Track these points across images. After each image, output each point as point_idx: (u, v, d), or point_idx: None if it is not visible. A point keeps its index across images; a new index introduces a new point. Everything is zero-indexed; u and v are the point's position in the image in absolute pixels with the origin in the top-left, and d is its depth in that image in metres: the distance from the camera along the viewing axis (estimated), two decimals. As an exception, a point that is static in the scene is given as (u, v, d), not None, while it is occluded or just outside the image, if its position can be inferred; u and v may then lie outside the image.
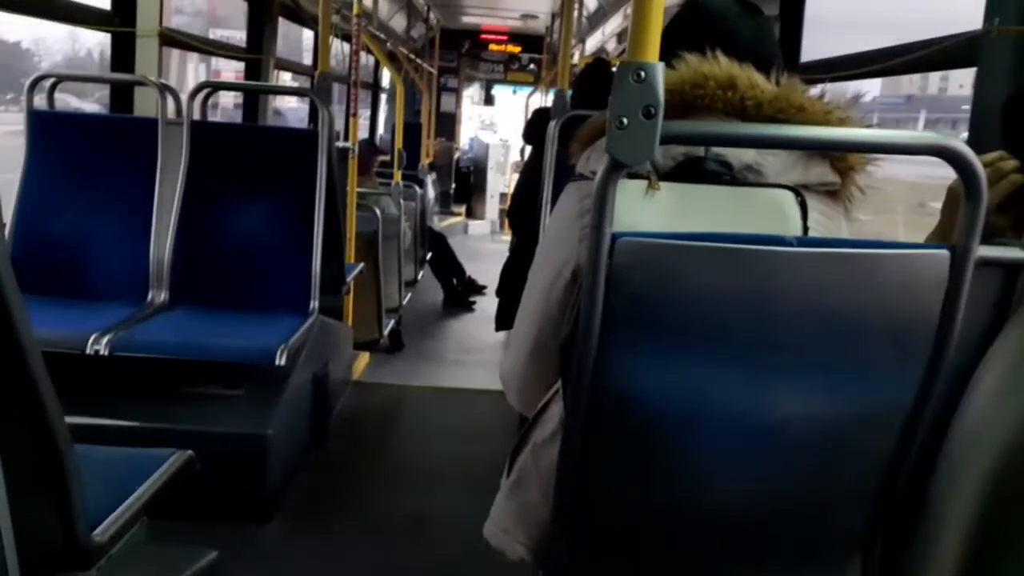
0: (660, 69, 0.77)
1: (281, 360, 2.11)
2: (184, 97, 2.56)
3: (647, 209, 0.94)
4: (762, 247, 0.83)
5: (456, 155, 9.58)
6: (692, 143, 0.94)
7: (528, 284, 1.11)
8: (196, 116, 2.61)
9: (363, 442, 2.91)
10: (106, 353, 2.07)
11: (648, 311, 0.87)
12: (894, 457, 0.93)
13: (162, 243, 2.50)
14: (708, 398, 0.91)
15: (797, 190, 0.95)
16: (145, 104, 2.80)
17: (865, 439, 0.93)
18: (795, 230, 0.94)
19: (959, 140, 0.82)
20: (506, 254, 4.20)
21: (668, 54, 1.02)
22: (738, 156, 0.96)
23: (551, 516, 1.04)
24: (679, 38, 1.08)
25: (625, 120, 0.78)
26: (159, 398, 2.17)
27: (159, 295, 2.50)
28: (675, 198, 0.95)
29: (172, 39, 3.14)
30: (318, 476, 2.53)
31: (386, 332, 3.98)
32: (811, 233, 0.94)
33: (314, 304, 2.48)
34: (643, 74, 0.77)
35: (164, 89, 2.51)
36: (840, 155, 0.97)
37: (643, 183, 0.95)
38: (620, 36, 7.03)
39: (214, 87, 2.87)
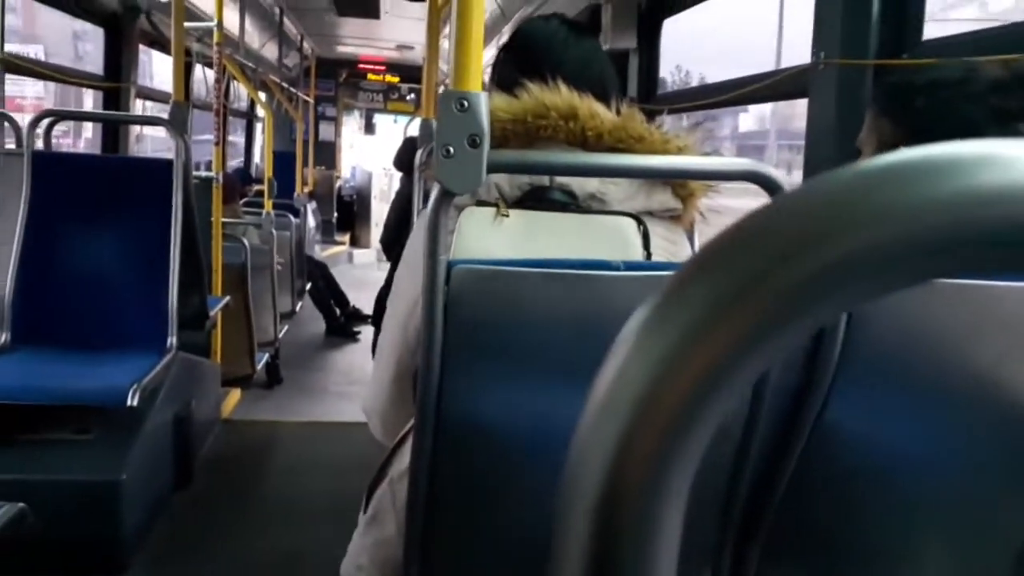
0: (483, 98, 0.79)
1: (133, 401, 2.00)
2: (24, 126, 2.41)
3: (496, 235, 0.95)
4: (591, 272, 0.85)
5: (338, 184, 9.45)
6: (519, 171, 0.96)
7: (387, 314, 1.11)
8: (40, 146, 2.47)
9: (233, 482, 2.79)
10: None
11: (487, 337, 0.88)
12: (735, 469, 0.97)
13: (0, 281, 2.34)
14: (551, 422, 0.92)
15: (639, 217, 0.98)
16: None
17: (717, 451, 0.96)
18: (637, 254, 0.97)
19: (769, 166, 0.87)
20: None
21: (510, 81, 1.05)
22: (582, 185, 0.98)
23: (403, 550, 1.02)
24: (516, 66, 1.11)
25: (451, 149, 0.78)
26: None
27: (-3, 336, 2.33)
28: (523, 225, 0.96)
29: (15, 65, 2.97)
30: (183, 519, 2.41)
31: (259, 366, 3.84)
32: (654, 257, 0.97)
33: (171, 340, 2.37)
34: (466, 103, 0.78)
35: (2, 119, 2.36)
36: (681, 183, 1.00)
37: (492, 210, 0.96)
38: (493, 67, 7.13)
39: (58, 116, 2.72)
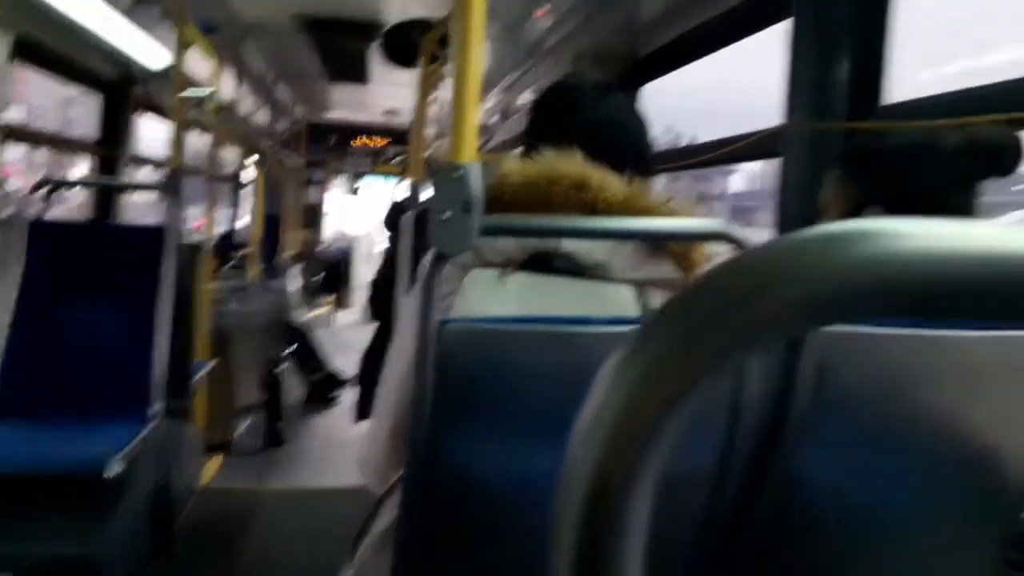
0: (475, 168, 0.84)
1: (111, 472, 1.96)
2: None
3: (499, 296, 0.99)
4: (571, 328, 0.89)
5: (320, 247, 9.51)
6: (507, 235, 1.00)
7: (385, 369, 1.12)
8: (38, 213, 2.50)
9: (211, 549, 2.74)
10: None
11: (478, 394, 0.91)
12: (704, 515, 0.98)
13: (-7, 350, 2.34)
14: (540, 478, 0.94)
15: (639, 286, 1.01)
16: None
17: (686, 498, 0.98)
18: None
19: (735, 226, 0.91)
20: None
21: (529, 146, 1.09)
22: (587, 255, 1.01)
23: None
24: (537, 127, 1.14)
25: (446, 214, 0.83)
26: None
27: (-16, 406, 2.31)
28: (527, 288, 0.99)
29: (15, 133, 3.03)
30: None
31: (239, 432, 3.80)
32: None
33: (155, 408, 2.35)
34: (459, 173, 0.84)
35: (-2, 186, 2.40)
36: (683, 253, 1.03)
37: (496, 272, 0.99)
38: (481, 131, 7.28)
39: (55, 184, 2.76)
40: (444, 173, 0.84)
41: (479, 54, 0.90)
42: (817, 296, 0.25)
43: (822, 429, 0.86)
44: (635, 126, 1.17)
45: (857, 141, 1.30)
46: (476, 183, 0.84)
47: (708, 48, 2.78)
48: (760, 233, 0.93)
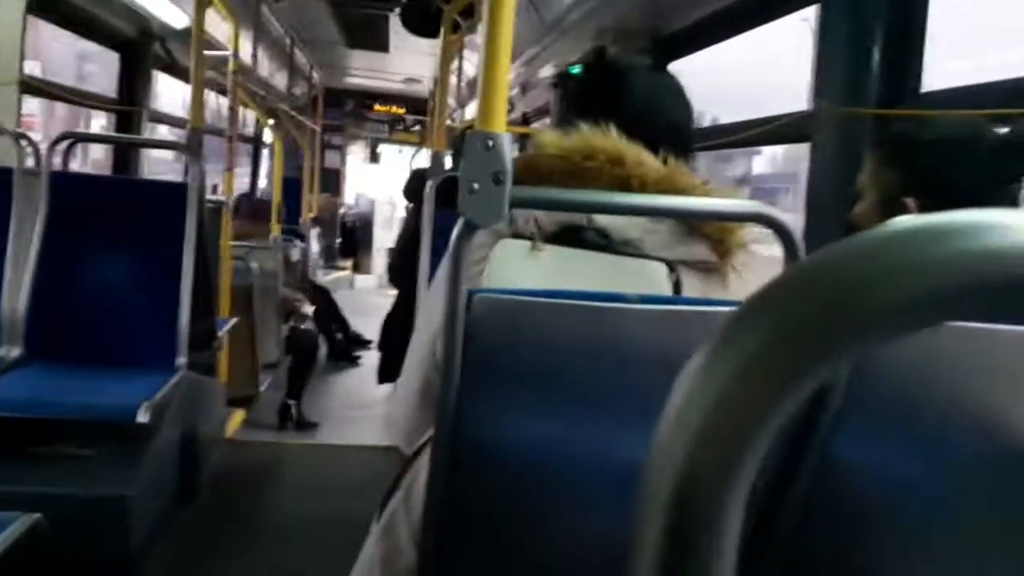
0: (507, 139, 0.84)
1: (143, 417, 2.02)
2: (44, 147, 2.47)
3: (529, 268, 0.99)
4: (605, 304, 0.89)
5: (341, 210, 9.53)
6: (539, 208, 1.00)
7: (414, 333, 1.13)
8: (58, 167, 2.53)
9: (234, 501, 2.81)
10: None
11: (505, 364, 0.92)
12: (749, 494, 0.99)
13: (15, 296, 2.37)
14: (566, 448, 0.96)
15: (672, 265, 1.00)
16: (2, 154, 2.68)
17: None
18: None
19: (776, 208, 0.91)
20: None
21: (564, 120, 1.08)
22: (620, 231, 1.00)
23: (417, 562, 1.05)
24: (578, 102, 1.14)
25: (476, 185, 0.83)
26: (9, 460, 2.03)
27: (12, 351, 2.36)
28: (556, 261, 0.99)
29: (33, 87, 3.03)
30: (185, 537, 2.43)
31: (263, 388, 3.87)
32: None
33: (181, 360, 2.41)
34: (491, 143, 0.83)
35: (20, 138, 2.41)
36: (718, 237, 1.02)
37: (527, 243, 0.99)
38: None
39: (77, 138, 2.78)
40: (475, 143, 0.84)
41: (509, 23, 0.89)
42: (949, 290, 0.23)
43: (860, 415, 0.86)
44: (679, 107, 1.16)
45: (897, 128, 1.29)
46: (507, 154, 0.84)
47: (734, 29, 2.74)
48: (782, 214, 0.92)
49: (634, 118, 1.05)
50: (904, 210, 1.16)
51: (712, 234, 1.02)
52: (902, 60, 1.75)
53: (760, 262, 1.06)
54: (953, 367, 0.83)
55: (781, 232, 0.90)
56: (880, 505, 0.90)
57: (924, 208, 1.15)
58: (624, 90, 1.12)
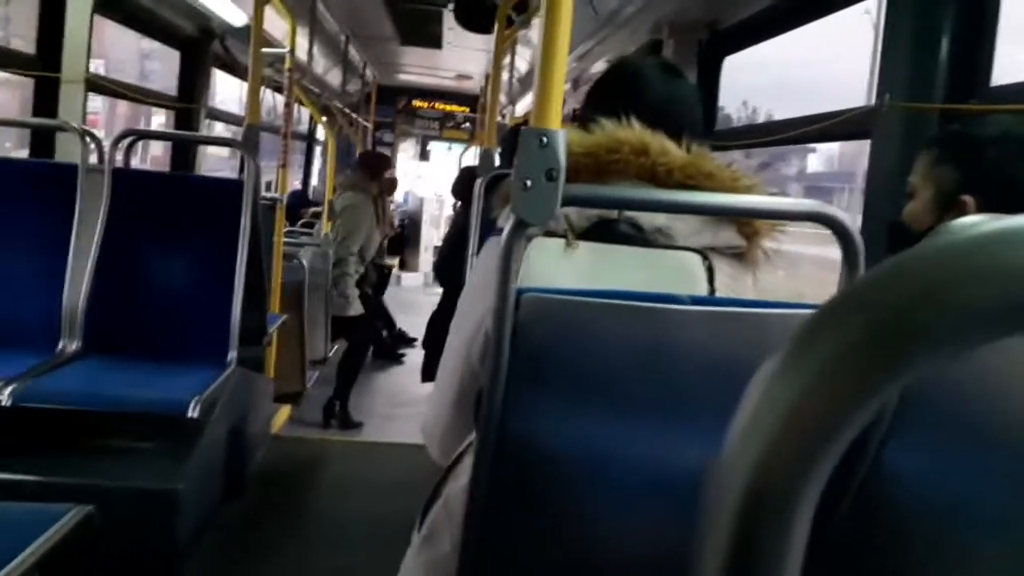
0: (562, 136, 0.82)
1: (194, 412, 2.05)
2: (107, 144, 2.53)
3: (564, 266, 0.98)
4: (657, 305, 0.87)
5: (391, 208, 9.61)
6: (591, 206, 0.98)
7: (450, 337, 1.13)
8: (120, 163, 2.58)
9: (281, 497, 2.84)
10: (9, 404, 1.99)
11: (552, 364, 0.90)
12: None
13: (76, 290, 2.43)
14: (612, 450, 0.94)
15: (705, 253, 0.99)
16: (68, 151, 2.76)
17: None
18: (702, 290, 0.99)
19: (836, 208, 0.88)
20: None
21: (586, 118, 1.08)
22: (650, 220, 1.00)
23: (458, 569, 1.04)
24: (598, 100, 1.14)
25: (529, 182, 0.82)
26: (63, 451, 2.08)
27: (71, 343, 2.42)
28: (591, 257, 0.99)
29: (98, 86, 3.11)
30: (232, 533, 2.46)
31: (310, 385, 3.91)
32: (718, 293, 0.99)
33: (232, 355, 2.43)
34: (546, 140, 0.82)
35: (86, 135, 2.47)
36: (746, 220, 1.02)
37: (561, 241, 0.99)
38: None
39: (138, 135, 2.84)
40: (529, 140, 0.82)
41: (568, 19, 0.88)
42: None
43: (915, 424, 0.83)
44: (693, 107, 1.17)
45: (954, 124, 1.24)
46: (562, 151, 0.82)
47: (793, 22, 2.68)
48: (843, 214, 0.89)
49: (655, 110, 1.06)
50: (963, 209, 1.12)
51: (739, 218, 1.01)
52: (971, 53, 1.68)
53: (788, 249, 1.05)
54: (1016, 376, 0.80)
55: (841, 232, 0.87)
56: (932, 518, 0.87)
57: (983, 208, 1.11)
58: (643, 84, 1.13)
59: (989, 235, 0.23)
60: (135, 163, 2.94)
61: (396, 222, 9.42)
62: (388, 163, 4.64)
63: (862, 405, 0.24)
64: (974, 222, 0.24)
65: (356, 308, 4.16)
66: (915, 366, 0.24)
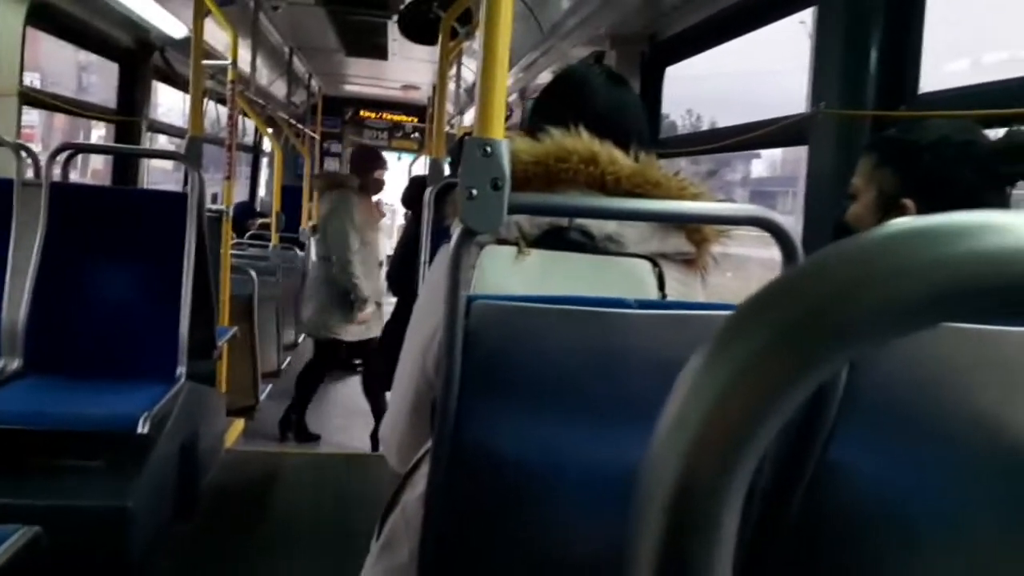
0: (505, 145, 0.84)
1: (144, 428, 2.01)
2: (43, 158, 2.47)
3: (516, 274, 0.99)
4: (605, 309, 0.89)
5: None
6: (538, 213, 1.00)
7: (405, 344, 1.13)
8: (58, 178, 2.53)
9: (235, 512, 2.80)
10: None
11: (505, 370, 0.92)
12: (748, 498, 0.98)
13: (15, 308, 2.37)
14: (565, 453, 0.96)
15: (654, 260, 1.02)
16: (2, 166, 2.68)
17: None
18: (652, 296, 1.01)
19: (775, 212, 0.91)
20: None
21: (534, 127, 1.10)
22: (600, 227, 1.02)
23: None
24: (546, 110, 1.16)
25: (475, 191, 0.83)
26: (7, 471, 2.02)
27: (11, 362, 2.36)
28: (543, 264, 1.00)
29: (33, 99, 3.04)
30: (184, 549, 2.42)
31: (262, 398, 3.86)
32: (668, 298, 1.01)
33: (181, 370, 2.40)
34: (489, 149, 0.84)
35: (20, 149, 2.41)
36: (695, 227, 1.04)
37: (513, 249, 1.00)
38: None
39: (76, 148, 2.78)
40: (473, 149, 0.84)
41: (507, 30, 0.89)
42: (947, 291, 0.23)
43: (858, 419, 0.86)
44: (639, 115, 1.19)
45: (893, 129, 1.29)
46: (506, 160, 0.84)
47: (731, 33, 2.75)
48: (782, 218, 0.92)
49: (602, 118, 1.08)
50: (903, 211, 1.17)
51: (688, 225, 1.04)
52: (900, 62, 1.75)
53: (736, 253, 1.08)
54: (952, 368, 0.83)
55: (780, 235, 0.90)
56: (880, 508, 0.89)
57: (921, 210, 1.16)
58: (589, 92, 1.15)
59: (902, 233, 0.24)
60: (74, 178, 2.88)
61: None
62: (381, 162, 4.29)
63: (783, 398, 0.25)
64: (903, 222, 0.25)
65: (374, 329, 3.87)
66: (832, 360, 0.25)
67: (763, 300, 0.26)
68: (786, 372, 0.25)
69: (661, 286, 1.01)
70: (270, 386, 4.06)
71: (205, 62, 3.20)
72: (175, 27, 3.88)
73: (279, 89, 6.66)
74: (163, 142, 4.86)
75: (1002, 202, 1.14)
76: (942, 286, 0.23)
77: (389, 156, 10.21)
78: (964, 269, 0.23)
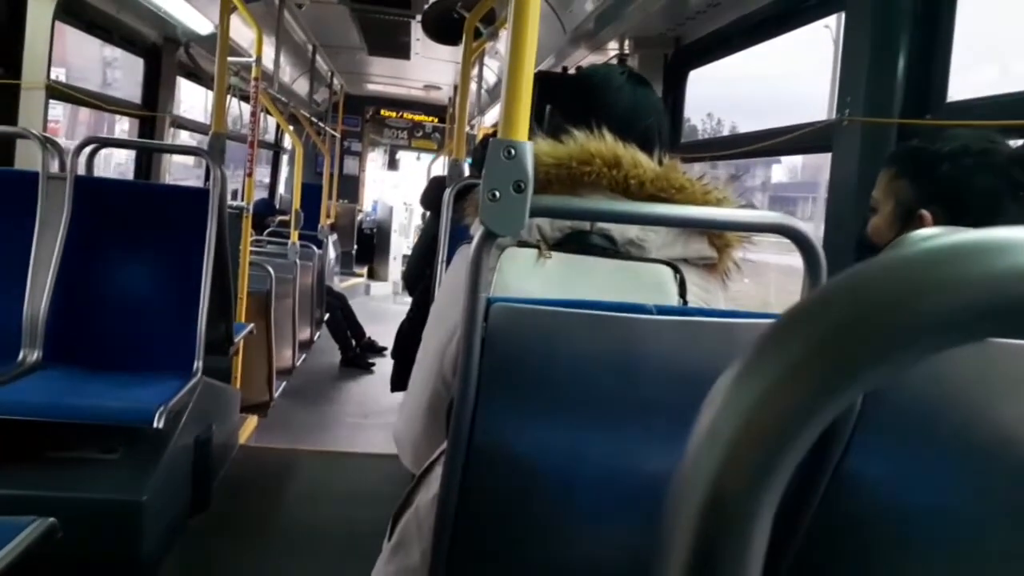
0: (529, 148, 0.83)
1: (159, 422, 2.02)
2: (69, 152, 2.49)
3: (536, 277, 0.99)
4: (624, 314, 0.88)
5: (359, 217, 9.56)
6: (560, 217, 1.00)
7: (422, 345, 1.13)
8: (82, 172, 2.55)
9: (248, 508, 2.81)
10: None
11: (521, 372, 0.91)
12: None
13: (37, 300, 2.39)
14: (580, 457, 0.95)
15: (675, 265, 1.01)
16: (28, 158, 2.71)
17: None
18: (672, 302, 1.00)
19: (799, 220, 0.90)
20: None
21: (557, 128, 1.09)
22: (622, 232, 1.01)
23: (429, 576, 1.04)
24: (567, 108, 1.15)
25: (497, 193, 0.83)
26: (25, 462, 2.04)
27: (32, 354, 2.37)
28: (563, 268, 1.00)
29: (60, 92, 3.07)
30: (198, 544, 2.43)
31: (277, 394, 3.88)
32: (689, 304, 1.00)
33: (198, 365, 2.40)
34: (513, 151, 0.83)
35: (47, 142, 2.44)
36: (717, 233, 1.03)
37: (534, 251, 1.00)
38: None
39: (101, 143, 2.80)
40: (497, 151, 0.83)
41: (534, 32, 0.89)
42: (992, 306, 0.23)
43: (876, 429, 0.85)
44: (661, 116, 1.18)
45: (912, 140, 1.28)
46: (530, 163, 0.83)
47: (757, 38, 2.73)
48: (805, 226, 0.92)
49: (623, 118, 1.07)
50: (921, 222, 1.15)
51: (711, 230, 1.03)
52: (927, 70, 1.73)
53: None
54: (973, 381, 0.82)
55: (803, 244, 0.89)
56: (897, 520, 0.88)
57: (940, 220, 1.14)
58: (612, 92, 1.14)
59: (944, 248, 0.24)
60: (98, 172, 2.90)
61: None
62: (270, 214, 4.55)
63: (819, 413, 0.25)
64: (925, 235, 0.25)
65: None
66: (869, 375, 0.25)
67: (801, 313, 0.26)
68: (822, 387, 0.25)
69: (682, 292, 1.00)
70: (284, 383, 4.07)
71: (230, 59, 3.21)
72: (200, 23, 3.91)
73: (301, 87, 6.70)
74: (184, 137, 4.90)
75: (1022, 210, 1.13)
76: (987, 301, 0.23)
77: (409, 155, 10.32)
78: (1008, 284, 0.23)
